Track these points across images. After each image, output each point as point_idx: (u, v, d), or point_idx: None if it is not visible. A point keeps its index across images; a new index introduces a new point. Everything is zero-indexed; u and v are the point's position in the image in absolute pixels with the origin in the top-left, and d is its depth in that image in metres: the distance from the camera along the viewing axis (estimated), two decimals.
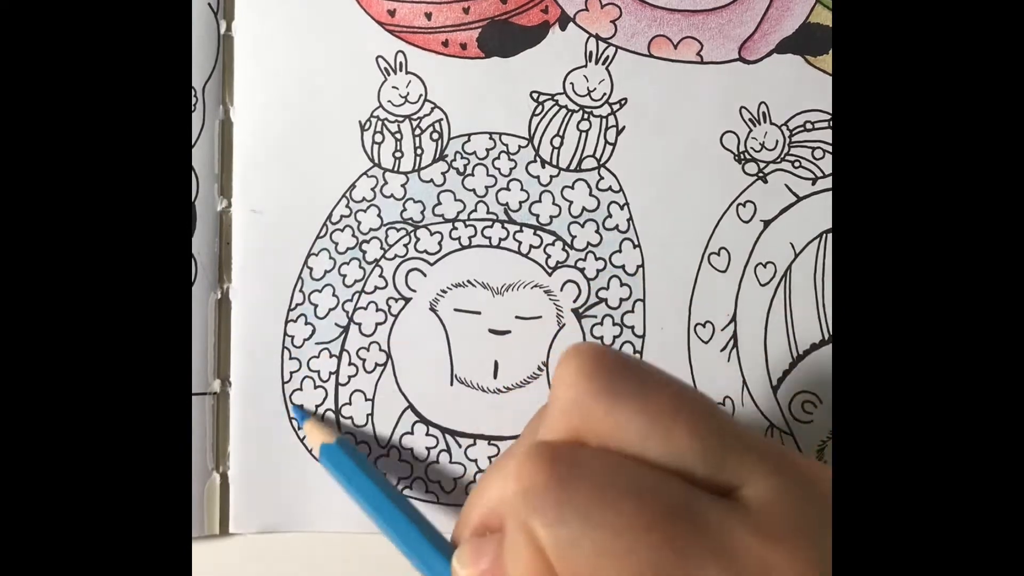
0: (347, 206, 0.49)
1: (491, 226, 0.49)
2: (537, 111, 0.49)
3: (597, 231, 0.49)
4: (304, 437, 0.48)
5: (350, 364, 0.49)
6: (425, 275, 0.49)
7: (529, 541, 0.31)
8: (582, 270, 0.49)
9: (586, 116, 0.49)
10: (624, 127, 0.49)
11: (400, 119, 0.49)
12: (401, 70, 0.49)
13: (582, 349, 0.34)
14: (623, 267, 0.49)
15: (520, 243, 0.49)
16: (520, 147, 0.49)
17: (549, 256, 0.49)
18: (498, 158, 0.49)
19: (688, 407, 0.33)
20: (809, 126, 0.49)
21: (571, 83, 0.49)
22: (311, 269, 0.49)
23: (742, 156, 0.49)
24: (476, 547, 0.36)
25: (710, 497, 0.32)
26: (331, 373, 0.49)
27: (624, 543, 0.30)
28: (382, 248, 0.49)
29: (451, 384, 0.49)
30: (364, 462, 0.46)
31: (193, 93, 0.48)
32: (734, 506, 0.32)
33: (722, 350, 0.49)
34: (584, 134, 0.49)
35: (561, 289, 0.49)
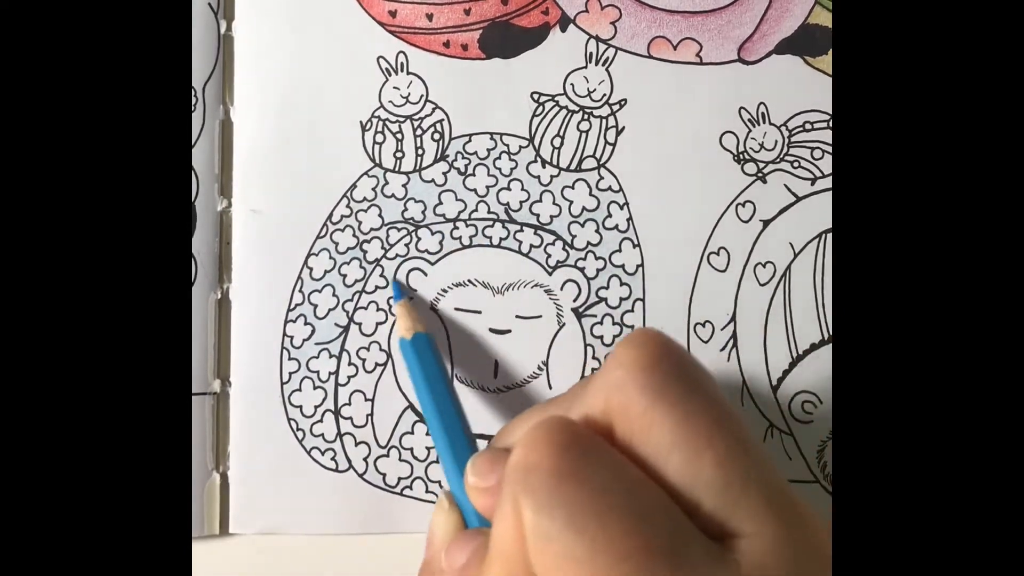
0: (348, 206, 0.49)
1: (492, 226, 0.49)
2: (538, 112, 0.49)
3: (597, 231, 0.49)
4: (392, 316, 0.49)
5: (350, 364, 0.49)
6: (426, 275, 0.49)
7: (515, 513, 0.31)
8: (582, 269, 0.49)
9: (586, 117, 0.49)
10: (624, 127, 0.49)
11: (401, 119, 0.49)
12: (402, 71, 0.49)
13: (649, 338, 0.34)
14: (623, 266, 0.49)
15: (520, 243, 0.49)
16: (521, 147, 0.49)
17: (549, 255, 0.49)
18: (499, 158, 0.49)
19: (725, 437, 0.32)
20: (808, 126, 0.49)
21: (571, 84, 0.49)
22: (311, 269, 0.49)
23: (741, 156, 0.49)
24: (492, 462, 0.36)
25: (704, 544, 0.30)
26: (331, 373, 0.49)
27: (597, 561, 0.29)
28: (383, 248, 0.49)
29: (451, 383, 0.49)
30: (436, 361, 0.46)
31: (193, 93, 0.48)
32: (725, 560, 0.30)
33: (722, 350, 0.49)
34: (584, 134, 0.49)
35: (561, 288, 0.49)
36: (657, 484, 0.31)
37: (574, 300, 0.49)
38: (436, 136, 0.49)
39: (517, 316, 0.49)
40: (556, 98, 0.49)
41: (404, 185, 0.49)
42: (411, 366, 0.46)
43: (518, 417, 0.40)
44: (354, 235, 0.49)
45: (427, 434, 0.49)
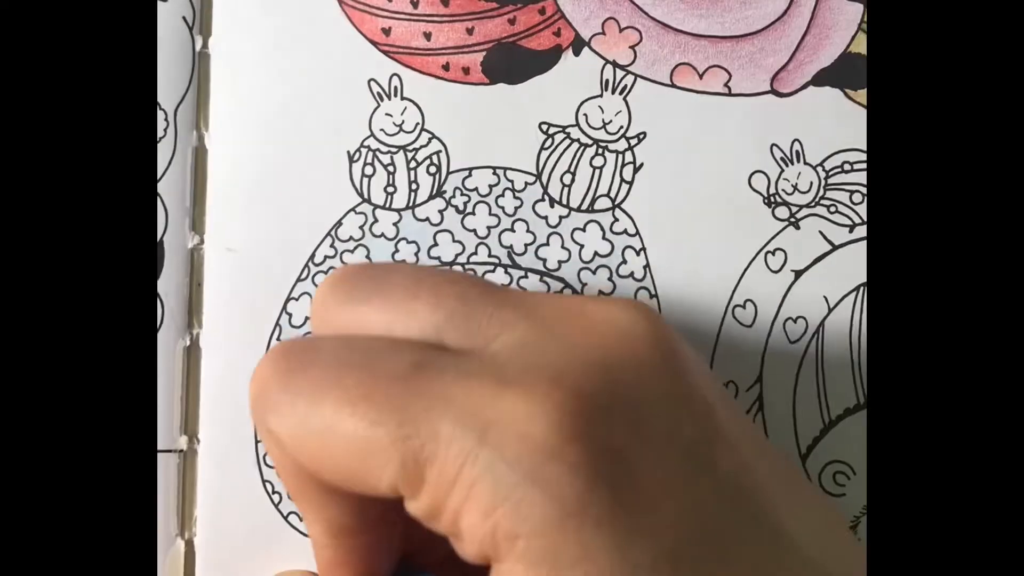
0: (332, 246, 0.49)
1: (493, 271, 0.49)
2: (546, 144, 0.49)
3: (610, 279, 0.49)
4: None
5: None
6: None
7: (272, 440, 0.34)
8: None
9: (600, 151, 0.49)
10: (642, 164, 0.49)
11: (393, 150, 0.49)
12: (396, 95, 0.49)
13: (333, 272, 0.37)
14: None
15: (525, 290, 0.49)
16: (527, 184, 0.49)
17: None
18: (502, 196, 0.49)
19: (428, 282, 0.35)
20: (847, 167, 0.49)
21: (584, 114, 0.49)
22: (290, 315, 0.49)
23: (772, 199, 0.49)
24: None
25: (452, 356, 0.33)
26: None
27: (345, 415, 0.32)
28: None
29: None
30: None
31: (163, 117, 0.48)
32: (475, 359, 0.33)
33: (746, 413, 0.49)
34: (598, 171, 0.49)
35: None
36: None
37: None
38: (432, 169, 0.49)
39: None
40: (567, 130, 0.49)
41: (395, 224, 0.49)
42: None
43: None
44: None
45: None
